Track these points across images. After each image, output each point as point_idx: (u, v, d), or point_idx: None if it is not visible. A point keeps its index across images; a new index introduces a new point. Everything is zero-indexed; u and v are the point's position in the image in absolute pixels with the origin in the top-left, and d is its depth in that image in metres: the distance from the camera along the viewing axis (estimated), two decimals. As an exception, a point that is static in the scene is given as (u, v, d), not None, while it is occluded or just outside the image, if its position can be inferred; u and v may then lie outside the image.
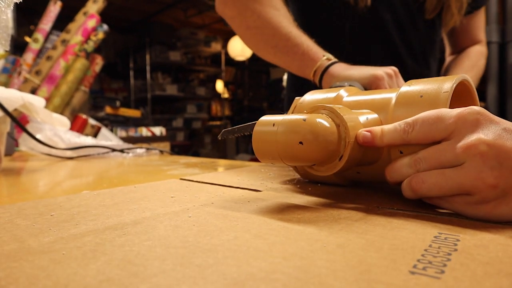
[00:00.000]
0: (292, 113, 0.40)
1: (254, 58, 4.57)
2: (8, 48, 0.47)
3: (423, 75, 0.76)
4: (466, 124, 0.26)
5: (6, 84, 1.40)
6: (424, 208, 0.29)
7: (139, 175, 0.51)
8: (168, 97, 4.66)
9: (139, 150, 0.87)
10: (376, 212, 0.28)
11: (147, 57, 4.37)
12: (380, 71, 0.50)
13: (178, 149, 4.29)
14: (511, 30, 1.71)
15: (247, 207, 0.29)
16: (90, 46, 1.55)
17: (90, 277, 0.16)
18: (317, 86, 0.58)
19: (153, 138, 2.73)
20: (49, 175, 0.54)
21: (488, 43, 1.63)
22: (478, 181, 0.24)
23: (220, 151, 5.10)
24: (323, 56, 0.57)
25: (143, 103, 4.47)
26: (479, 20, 0.83)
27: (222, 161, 0.73)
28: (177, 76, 5.10)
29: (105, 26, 1.59)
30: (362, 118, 0.33)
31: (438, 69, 0.85)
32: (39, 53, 1.48)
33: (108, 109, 2.86)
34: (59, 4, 1.50)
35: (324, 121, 0.30)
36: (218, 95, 5.29)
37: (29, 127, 0.73)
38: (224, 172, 0.51)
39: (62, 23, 1.56)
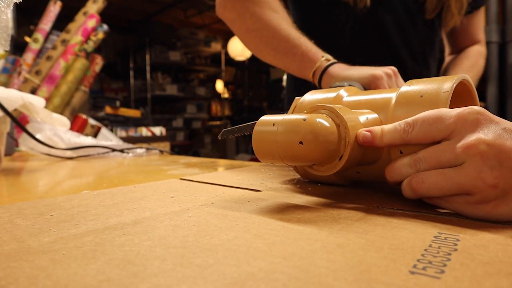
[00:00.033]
0: (292, 113, 0.40)
1: (254, 58, 4.55)
2: (8, 48, 0.47)
3: (423, 75, 0.76)
4: (466, 124, 0.26)
5: (6, 84, 1.40)
6: (424, 208, 0.29)
7: (139, 175, 0.51)
8: (168, 97, 4.66)
9: (139, 150, 0.87)
10: (376, 212, 0.28)
11: (147, 57, 4.37)
12: (379, 71, 0.50)
13: (178, 149, 4.29)
14: (511, 30, 1.71)
15: (247, 207, 0.29)
16: (90, 46, 1.55)
17: (90, 277, 0.16)
18: (317, 87, 0.58)
19: (153, 138, 2.73)
20: (49, 175, 0.54)
21: (488, 43, 1.63)
22: (478, 181, 0.24)
23: (220, 151, 5.10)
24: (322, 57, 0.57)
25: (143, 103, 4.47)
26: (479, 20, 0.83)
27: (222, 161, 0.73)
28: (177, 76, 5.10)
29: (105, 26, 1.59)
30: (362, 118, 0.33)
31: (438, 69, 0.85)
32: (39, 53, 1.48)
33: (108, 109, 2.86)
34: (59, 4, 1.50)
35: (324, 121, 0.30)
36: (218, 95, 5.29)
37: (29, 127, 0.73)
38: (224, 172, 0.51)
39: (62, 23, 1.56)
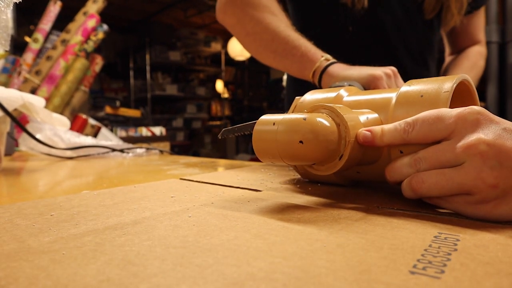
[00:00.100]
0: (293, 112, 0.40)
1: (254, 58, 4.56)
2: (8, 48, 0.47)
3: (422, 75, 0.76)
4: (466, 124, 0.26)
5: (6, 84, 1.40)
6: (424, 208, 0.29)
7: (139, 175, 0.51)
8: (168, 97, 4.66)
9: (139, 150, 0.87)
10: (376, 212, 0.28)
11: (147, 57, 4.37)
12: (378, 71, 0.50)
13: (178, 149, 4.29)
14: (511, 30, 1.71)
15: (247, 207, 0.29)
16: (90, 46, 1.55)
17: (90, 277, 0.16)
18: (317, 87, 0.58)
19: (153, 138, 2.73)
20: (49, 175, 0.54)
21: (488, 43, 1.63)
22: (478, 180, 0.24)
23: (220, 151, 5.10)
24: (322, 57, 0.58)
25: (143, 103, 4.47)
26: (479, 20, 0.83)
27: (222, 161, 0.73)
28: (177, 76, 5.10)
29: (105, 26, 1.59)
30: (362, 118, 0.33)
31: (438, 69, 0.85)
32: (39, 53, 1.48)
33: (108, 109, 2.86)
34: (59, 4, 1.50)
35: (324, 121, 0.30)
36: (218, 95, 5.29)
37: (29, 127, 0.73)
38: (224, 172, 0.51)
39: (62, 23, 1.56)
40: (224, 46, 4.77)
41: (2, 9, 0.43)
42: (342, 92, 0.39)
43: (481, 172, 0.24)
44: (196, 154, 4.75)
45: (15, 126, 0.89)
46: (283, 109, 0.90)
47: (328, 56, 0.58)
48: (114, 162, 0.70)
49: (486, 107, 1.21)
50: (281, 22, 0.63)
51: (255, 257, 0.18)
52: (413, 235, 0.22)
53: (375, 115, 0.34)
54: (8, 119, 0.57)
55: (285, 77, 0.95)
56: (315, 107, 0.33)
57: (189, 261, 0.18)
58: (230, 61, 5.08)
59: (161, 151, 0.90)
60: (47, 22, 1.47)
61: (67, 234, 0.22)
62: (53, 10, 1.48)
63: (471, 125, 0.26)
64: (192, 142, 4.95)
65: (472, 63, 0.78)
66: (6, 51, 0.98)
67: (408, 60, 0.75)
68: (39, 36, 1.46)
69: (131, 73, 4.54)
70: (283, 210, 0.28)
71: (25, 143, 0.74)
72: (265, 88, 5.66)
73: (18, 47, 1.73)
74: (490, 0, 1.75)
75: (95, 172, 0.56)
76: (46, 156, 0.76)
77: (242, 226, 0.24)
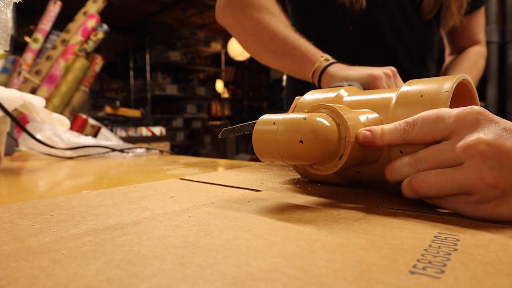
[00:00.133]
0: (293, 112, 0.40)
1: (254, 58, 4.57)
2: (8, 48, 0.47)
3: (421, 75, 0.76)
4: (466, 123, 0.26)
5: (6, 84, 1.40)
6: (424, 208, 0.29)
7: (139, 175, 0.51)
8: (168, 97, 4.66)
9: (139, 150, 0.87)
10: (376, 212, 0.28)
11: (147, 57, 4.37)
12: (378, 71, 0.50)
13: (178, 149, 4.29)
14: (511, 30, 1.71)
15: (247, 207, 0.29)
16: (90, 46, 1.55)
17: (90, 277, 0.16)
18: (316, 87, 0.58)
19: (153, 138, 2.72)
20: (49, 175, 0.54)
21: (488, 43, 1.63)
22: (478, 180, 0.24)
23: (220, 151, 5.10)
24: (321, 57, 0.58)
25: (143, 103, 4.47)
26: (479, 20, 0.83)
27: (222, 161, 0.73)
28: (177, 76, 5.10)
29: (105, 26, 1.59)
30: (363, 118, 0.33)
31: (438, 69, 0.85)
32: (39, 53, 1.48)
33: (108, 109, 2.86)
34: (59, 4, 1.50)
35: (324, 120, 0.30)
36: (218, 95, 5.29)
37: (29, 127, 0.73)
38: (224, 172, 0.51)
39: (62, 23, 1.56)
40: (224, 46, 4.77)
41: (2, 9, 0.43)
42: (342, 92, 0.39)
43: (481, 172, 0.24)
44: (196, 154, 4.75)
45: (15, 126, 0.89)
46: (283, 109, 0.90)
47: (328, 57, 0.58)
48: (114, 162, 0.70)
49: (486, 107, 1.21)
50: (280, 23, 0.64)
51: (255, 257, 0.18)
52: (413, 235, 0.22)
53: (375, 115, 0.34)
54: (8, 119, 0.57)
55: (285, 77, 0.95)
56: (315, 107, 0.33)
57: (189, 261, 0.18)
58: (230, 61, 5.08)
59: (161, 151, 0.90)
60: (47, 22, 1.47)
61: (67, 234, 0.22)
62: (53, 10, 1.48)
63: (471, 125, 0.26)
64: (192, 142, 4.95)
65: (472, 63, 0.78)
66: (6, 51, 0.98)
67: (406, 60, 0.75)
68: (39, 36, 1.46)
69: (131, 73, 4.54)
70: (283, 210, 0.28)
71: (25, 143, 0.74)
72: (265, 88, 5.66)
73: (18, 47, 1.73)
74: (490, 0, 1.75)
75: (95, 172, 0.56)
76: (46, 156, 0.76)
77: (242, 226, 0.24)
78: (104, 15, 1.66)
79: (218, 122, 5.15)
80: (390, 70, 0.51)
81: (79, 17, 1.55)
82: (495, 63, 1.75)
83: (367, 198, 0.33)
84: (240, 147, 5.19)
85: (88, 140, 0.83)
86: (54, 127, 0.76)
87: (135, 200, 0.32)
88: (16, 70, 1.42)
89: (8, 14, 0.46)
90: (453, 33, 0.83)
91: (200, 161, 0.71)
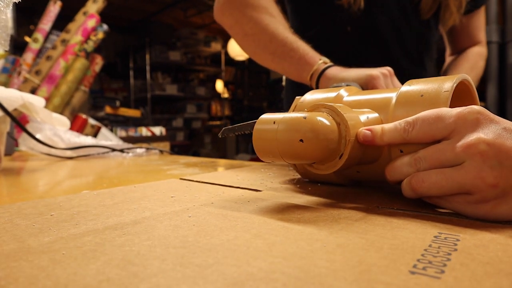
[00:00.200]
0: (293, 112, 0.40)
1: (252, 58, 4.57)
2: (8, 48, 0.47)
3: (419, 75, 0.76)
4: (466, 123, 0.26)
5: (6, 84, 1.40)
6: (424, 208, 0.29)
7: (139, 175, 0.51)
8: (168, 97, 4.66)
9: (139, 150, 0.87)
10: (376, 212, 0.28)
11: (147, 57, 4.37)
12: (375, 71, 0.51)
13: (178, 149, 4.29)
14: (511, 30, 1.71)
15: (247, 207, 0.29)
16: (90, 46, 1.55)
17: (90, 277, 0.16)
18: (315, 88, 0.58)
19: (153, 138, 2.72)
20: (49, 175, 0.54)
21: (488, 43, 1.63)
22: (478, 180, 0.24)
23: (220, 151, 5.10)
24: (320, 60, 0.58)
25: (143, 103, 4.47)
26: (479, 20, 0.82)
27: (222, 161, 0.73)
28: (177, 76, 5.10)
29: (105, 26, 1.59)
30: (363, 117, 0.33)
31: (438, 69, 0.85)
32: (39, 53, 1.48)
33: (108, 109, 2.86)
34: (59, 4, 1.50)
35: (324, 119, 0.30)
36: (218, 95, 5.29)
37: (29, 127, 0.73)
38: (224, 172, 0.51)
39: (62, 23, 1.55)
40: (224, 46, 4.77)
41: (2, 9, 0.43)
42: (342, 92, 0.39)
43: (481, 171, 0.24)
44: (196, 154, 4.75)
45: (15, 126, 0.89)
46: (283, 109, 0.90)
47: (326, 59, 0.58)
48: (114, 162, 0.70)
49: (486, 107, 1.21)
50: (279, 24, 0.64)
51: (255, 257, 0.18)
52: (413, 235, 0.22)
53: (376, 115, 0.34)
54: (8, 119, 0.57)
55: (284, 77, 0.95)
56: (315, 106, 0.33)
57: (189, 261, 0.18)
58: (230, 61, 5.08)
59: (161, 151, 0.90)
60: (47, 22, 1.47)
61: (67, 234, 0.22)
62: (53, 10, 1.48)
63: (471, 125, 0.26)
64: (192, 142, 4.95)
65: (472, 64, 0.78)
66: (6, 51, 0.98)
67: (405, 60, 0.75)
68: (39, 36, 1.46)
69: (131, 73, 4.54)
70: (283, 210, 0.28)
71: (25, 143, 0.74)
72: (265, 88, 5.66)
73: (18, 47, 1.73)
74: (490, 0, 1.75)
75: (95, 172, 0.56)
76: (46, 156, 0.76)
77: (242, 226, 0.24)
78: (104, 15, 1.66)
79: (218, 122, 5.15)
80: (386, 70, 0.52)
81: (79, 17, 1.55)
82: (495, 63, 1.75)
83: (367, 198, 0.33)
84: (240, 147, 5.19)
85: (88, 140, 0.83)
86: (54, 127, 0.76)
87: (135, 200, 0.32)
88: (16, 70, 1.42)
89: (8, 14, 0.46)
90: (453, 33, 0.83)
91: (200, 161, 0.71)
